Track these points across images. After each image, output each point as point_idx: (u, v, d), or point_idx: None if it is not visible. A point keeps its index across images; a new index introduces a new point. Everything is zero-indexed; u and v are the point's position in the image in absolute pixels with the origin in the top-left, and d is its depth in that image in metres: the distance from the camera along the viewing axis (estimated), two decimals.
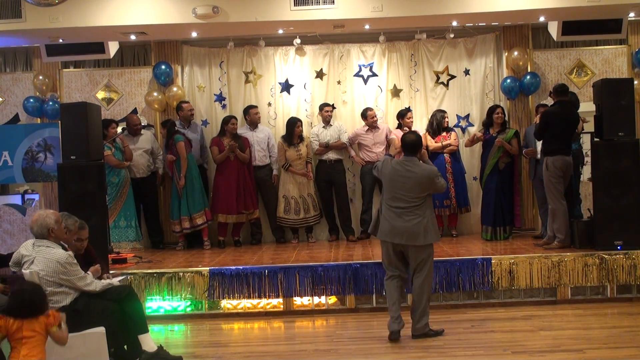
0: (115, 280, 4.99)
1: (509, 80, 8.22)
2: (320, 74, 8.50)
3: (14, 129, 8.14)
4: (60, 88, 8.53)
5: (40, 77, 8.41)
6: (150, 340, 4.62)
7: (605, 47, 8.42)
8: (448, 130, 8.00)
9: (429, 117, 8.18)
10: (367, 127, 8.06)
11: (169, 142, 7.79)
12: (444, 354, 4.82)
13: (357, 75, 8.49)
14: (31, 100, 8.36)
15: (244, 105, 8.36)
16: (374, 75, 8.48)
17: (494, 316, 5.90)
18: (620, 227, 6.36)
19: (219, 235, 7.98)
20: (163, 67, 8.32)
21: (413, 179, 5.03)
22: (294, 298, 6.27)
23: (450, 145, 7.88)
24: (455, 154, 7.96)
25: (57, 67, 8.52)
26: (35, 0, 6.08)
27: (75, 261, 4.36)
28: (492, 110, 7.67)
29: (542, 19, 7.90)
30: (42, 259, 4.21)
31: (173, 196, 7.86)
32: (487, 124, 7.71)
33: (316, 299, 6.28)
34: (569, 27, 8.01)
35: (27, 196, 9.96)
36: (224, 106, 8.52)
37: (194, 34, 7.87)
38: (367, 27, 7.73)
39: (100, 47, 8.07)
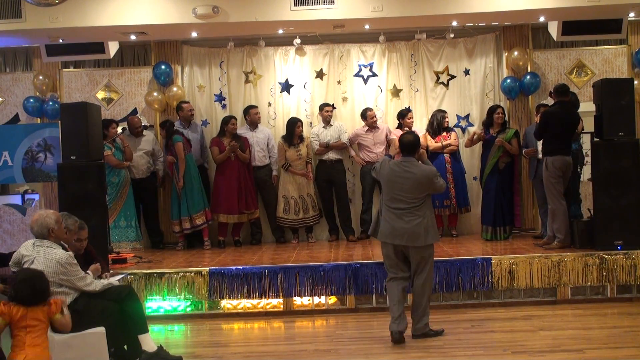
0: (115, 280, 5.00)
1: (509, 80, 8.22)
2: (320, 74, 8.50)
3: (14, 129, 8.15)
4: (60, 88, 8.53)
5: (40, 77, 8.41)
6: (150, 340, 4.62)
7: (605, 47, 8.43)
8: (448, 130, 8.00)
9: (429, 117, 8.18)
10: (367, 128, 8.06)
11: (168, 143, 7.80)
12: (444, 354, 4.81)
13: (357, 75, 8.50)
14: (31, 100, 8.37)
15: (244, 105, 8.36)
16: (374, 75, 8.48)
17: (494, 316, 5.90)
18: (620, 227, 6.36)
19: (219, 235, 7.98)
20: (163, 67, 8.32)
21: (411, 180, 5.02)
22: (294, 298, 6.27)
23: (450, 145, 7.88)
24: (455, 154, 7.97)
25: (57, 67, 8.52)
26: (35, 0, 6.08)
27: (75, 261, 4.36)
28: (492, 110, 7.68)
29: (542, 19, 7.90)
30: (42, 259, 4.21)
31: (173, 197, 7.86)
32: (487, 124, 7.71)
33: (316, 299, 6.28)
34: (569, 27, 8.01)
35: (27, 196, 9.96)
36: (224, 106, 8.52)
37: (194, 34, 7.87)
38: (367, 27, 7.73)
39: (100, 47, 8.08)
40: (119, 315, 4.52)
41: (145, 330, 4.62)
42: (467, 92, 8.46)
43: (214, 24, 7.25)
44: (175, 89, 8.36)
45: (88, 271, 4.68)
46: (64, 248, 4.49)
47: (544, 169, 6.73)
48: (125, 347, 4.65)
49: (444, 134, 7.94)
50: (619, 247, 6.31)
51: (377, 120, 8.10)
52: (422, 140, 7.90)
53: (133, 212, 7.82)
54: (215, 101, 8.54)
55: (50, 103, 8.36)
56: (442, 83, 8.47)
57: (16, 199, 9.87)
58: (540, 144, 6.97)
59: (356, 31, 8.03)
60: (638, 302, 6.21)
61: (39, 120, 8.47)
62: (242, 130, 8.14)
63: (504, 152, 7.49)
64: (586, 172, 7.78)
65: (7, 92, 8.62)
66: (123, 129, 7.98)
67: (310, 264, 6.34)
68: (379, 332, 5.37)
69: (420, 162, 5.16)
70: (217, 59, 8.52)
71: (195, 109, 8.37)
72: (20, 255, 4.34)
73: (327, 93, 8.47)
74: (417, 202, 5.02)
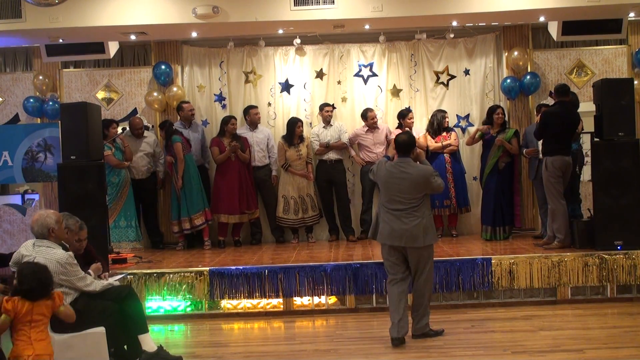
0: (115, 280, 5.00)
1: (509, 80, 8.22)
2: (320, 74, 8.50)
3: (14, 129, 8.15)
4: (60, 88, 8.53)
5: (40, 77, 8.41)
6: (150, 340, 4.62)
7: (605, 47, 8.43)
8: (448, 130, 8.00)
9: (429, 117, 8.18)
10: (367, 128, 8.06)
11: (167, 143, 7.81)
12: (444, 354, 4.82)
13: (357, 75, 8.50)
14: (31, 100, 8.37)
15: (244, 105, 8.36)
16: (374, 75, 8.48)
17: (494, 316, 5.90)
18: (620, 227, 6.36)
19: (219, 235, 7.98)
20: (163, 67, 8.32)
21: (408, 180, 5.00)
22: (294, 298, 6.27)
23: (450, 145, 7.87)
24: (455, 154, 7.96)
25: (57, 67, 8.52)
26: (35, 0, 6.08)
27: (75, 261, 4.36)
28: (492, 110, 7.68)
29: (542, 19, 7.90)
30: (42, 259, 4.20)
31: (172, 197, 7.87)
32: (487, 123, 7.70)
33: (316, 299, 6.28)
34: (569, 27, 8.01)
35: (27, 196, 9.96)
36: (224, 106, 8.52)
37: (194, 34, 7.87)
38: (367, 27, 7.73)
39: (100, 47, 8.08)
40: (119, 315, 4.52)
41: (145, 330, 4.63)
42: (467, 92, 8.46)
43: (214, 24, 7.25)
44: (175, 89, 8.37)
45: (89, 270, 4.69)
46: (64, 248, 4.49)
47: (543, 169, 6.73)
48: (125, 347, 4.65)
49: (444, 134, 7.93)
50: (619, 247, 6.31)
51: (377, 121, 8.10)
52: (422, 140, 7.94)
53: (133, 212, 7.82)
54: (215, 101, 8.54)
55: (50, 103, 8.36)
56: (442, 83, 8.47)
57: (16, 199, 9.87)
58: (540, 144, 6.97)
59: (356, 31, 8.03)
60: (638, 302, 6.21)
61: (39, 120, 8.47)
62: (242, 130, 8.14)
63: (504, 152, 7.49)
64: (586, 172, 7.77)
65: (7, 92, 8.62)
66: (123, 129, 7.98)
67: (310, 264, 6.34)
68: (379, 332, 5.37)
69: (418, 162, 5.15)
70: (217, 59, 8.52)
71: (195, 109, 8.36)
72: (20, 255, 4.33)
73: (327, 93, 8.47)
74: (415, 202, 5.00)
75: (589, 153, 6.98)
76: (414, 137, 5.31)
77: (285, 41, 8.33)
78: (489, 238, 7.51)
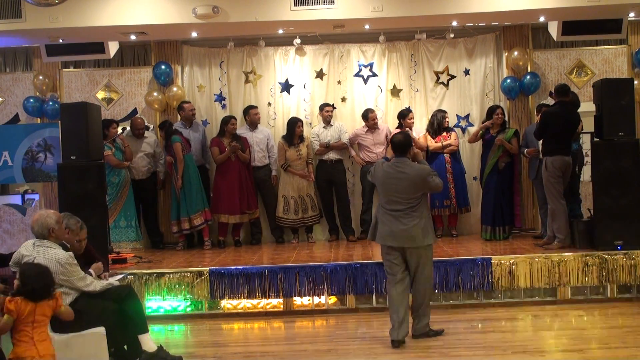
0: (115, 280, 5.00)
1: (509, 80, 8.22)
2: (320, 74, 8.50)
3: (14, 129, 8.15)
4: (60, 88, 8.53)
5: (40, 77, 8.41)
6: (150, 340, 4.62)
7: (605, 47, 8.43)
8: (448, 130, 8.00)
9: (429, 117, 8.18)
10: (367, 128, 8.06)
11: (167, 143, 7.81)
12: (444, 354, 4.82)
13: (357, 75, 8.49)
14: (31, 100, 8.37)
15: (244, 105, 8.36)
16: (374, 75, 8.48)
17: (494, 316, 5.90)
18: (620, 227, 6.36)
19: (219, 235, 7.98)
20: (163, 67, 8.32)
21: (406, 180, 4.99)
22: (294, 298, 6.27)
23: (450, 145, 7.87)
24: (455, 154, 7.96)
25: (57, 67, 8.52)
26: (35, 0, 6.08)
27: (75, 262, 4.37)
28: (492, 110, 7.67)
29: (542, 19, 7.90)
30: (42, 259, 4.20)
31: (172, 197, 7.87)
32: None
33: (316, 299, 6.28)
34: (569, 27, 8.01)
35: (27, 196, 9.95)
36: (224, 106, 8.52)
37: (194, 34, 7.87)
38: (367, 27, 7.73)
39: (100, 47, 8.08)
40: (118, 315, 4.53)
41: (145, 330, 4.63)
42: (467, 92, 8.46)
43: (214, 24, 7.25)
44: (175, 89, 8.36)
45: (90, 269, 4.69)
46: (65, 248, 4.49)
47: (543, 169, 6.73)
48: (125, 347, 4.65)
49: (444, 134, 7.93)
50: (619, 247, 6.31)
51: (378, 121, 8.09)
52: (422, 140, 7.94)
53: (133, 212, 7.82)
54: (215, 101, 8.54)
55: (50, 103, 8.36)
56: (442, 83, 8.47)
57: (16, 199, 9.86)
58: (540, 144, 6.97)
59: (356, 31, 8.03)
60: (638, 302, 6.21)
61: (39, 120, 8.47)
62: (242, 130, 8.14)
63: (504, 152, 7.49)
64: (586, 172, 7.78)
65: (7, 92, 8.62)
66: (123, 129, 7.98)
67: (310, 264, 6.34)
68: (379, 332, 5.37)
69: (416, 161, 5.15)
70: (217, 59, 8.52)
71: (196, 109, 8.36)
72: (21, 255, 4.34)
73: (327, 93, 8.47)
74: (413, 202, 4.99)
75: (589, 153, 6.98)
76: (410, 137, 5.31)
77: (285, 41, 8.33)
78: (489, 238, 7.51)
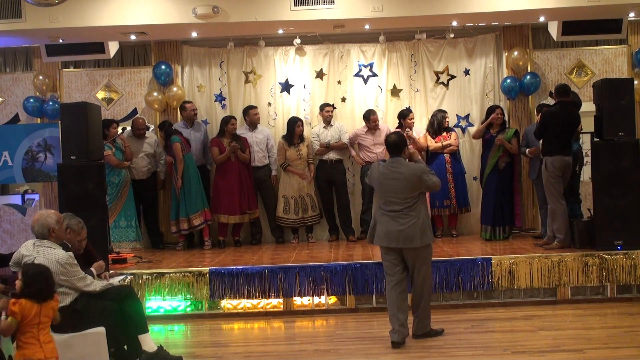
0: (115, 280, 5.00)
1: (509, 80, 8.22)
2: (320, 74, 8.50)
3: (14, 129, 8.14)
4: (60, 88, 8.53)
5: (40, 77, 8.41)
6: (150, 340, 4.63)
7: (605, 47, 8.42)
8: (448, 130, 8.00)
9: (429, 117, 8.18)
10: (367, 128, 8.06)
11: (167, 144, 7.81)
12: (444, 354, 4.82)
13: (357, 75, 8.49)
14: (31, 100, 8.37)
15: (244, 105, 8.36)
16: (374, 75, 8.48)
17: (494, 316, 5.90)
18: (620, 227, 6.36)
19: (219, 235, 7.98)
20: (163, 67, 8.32)
21: (401, 180, 4.98)
22: (294, 298, 6.27)
23: (450, 145, 7.87)
24: (455, 154, 7.96)
25: (57, 67, 8.52)
26: (35, 0, 6.08)
27: (75, 262, 4.37)
28: (491, 110, 7.67)
29: (542, 19, 7.90)
30: (42, 259, 4.20)
31: (172, 197, 7.87)
32: (485, 127, 7.70)
33: (316, 299, 6.28)
34: (569, 27, 8.01)
35: (27, 196, 9.95)
36: (223, 106, 8.52)
37: (194, 34, 7.87)
38: (367, 27, 7.73)
39: (100, 47, 8.08)
40: (118, 315, 4.53)
41: (145, 330, 4.63)
42: (467, 92, 8.46)
43: (214, 24, 7.25)
44: (175, 89, 8.36)
45: (92, 269, 4.69)
46: (66, 248, 4.49)
47: (543, 169, 6.73)
48: (125, 347, 4.65)
49: (444, 134, 7.93)
50: (619, 247, 6.31)
51: (379, 123, 8.09)
52: (422, 140, 7.94)
53: (133, 212, 7.82)
54: (215, 101, 8.54)
55: (50, 103, 8.36)
56: (442, 83, 8.47)
57: (16, 199, 9.86)
58: (541, 143, 6.97)
59: (356, 31, 8.03)
60: (638, 302, 6.21)
61: (39, 120, 8.47)
62: (242, 130, 8.14)
63: (504, 152, 7.49)
64: (586, 172, 7.78)
65: (7, 92, 8.62)
66: (123, 129, 7.98)
67: (310, 264, 6.34)
68: (379, 332, 5.37)
69: (413, 161, 5.14)
70: (217, 59, 8.52)
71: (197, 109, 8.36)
72: (21, 255, 4.34)
73: (327, 93, 8.47)
74: (410, 201, 4.98)
75: (589, 153, 6.98)
76: (403, 136, 5.29)
77: (285, 41, 8.33)
78: (489, 238, 7.51)
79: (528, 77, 8.21)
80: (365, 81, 8.48)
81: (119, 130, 7.91)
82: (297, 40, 8.26)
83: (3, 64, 8.72)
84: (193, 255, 7.43)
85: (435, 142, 7.90)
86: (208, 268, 6.31)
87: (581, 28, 8.01)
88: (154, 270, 6.33)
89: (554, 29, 8.16)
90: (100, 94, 8.55)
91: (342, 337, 5.47)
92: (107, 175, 7.26)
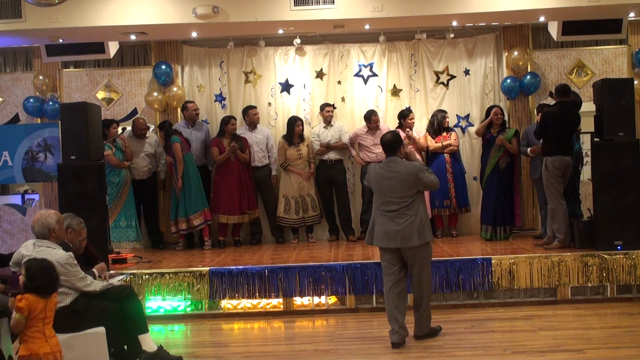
0: (115, 280, 5.00)
1: (509, 80, 8.22)
2: (320, 74, 8.50)
3: (14, 129, 8.14)
4: (60, 88, 8.53)
5: (40, 77, 8.41)
6: (150, 340, 4.63)
7: (605, 47, 8.43)
8: (448, 130, 8.00)
9: (429, 117, 8.18)
10: (368, 128, 8.05)
11: (167, 144, 7.81)
12: (444, 354, 4.82)
13: (357, 75, 8.50)
14: (31, 100, 8.37)
15: (244, 105, 8.36)
16: (374, 75, 8.48)
17: (494, 316, 5.90)
18: (620, 227, 6.36)
19: (219, 235, 7.98)
20: (163, 67, 8.32)
21: (397, 179, 4.97)
22: (294, 298, 6.27)
23: (450, 145, 7.87)
24: (455, 154, 7.96)
25: (57, 67, 8.52)
26: (35, 0, 6.07)
27: (75, 262, 4.37)
28: (490, 109, 7.67)
29: (542, 19, 7.90)
30: None
31: (172, 197, 7.87)
32: (488, 124, 7.70)
33: (316, 299, 6.28)
34: (569, 27, 8.01)
35: (27, 196, 9.95)
36: (223, 106, 8.52)
37: (194, 34, 7.87)
38: (367, 27, 7.73)
39: (100, 47, 8.08)
40: (119, 315, 4.52)
41: (145, 330, 4.63)
42: (467, 92, 8.46)
43: (214, 24, 7.25)
44: (175, 89, 8.36)
45: (94, 269, 4.69)
46: (67, 248, 4.49)
47: (543, 169, 6.74)
48: (125, 347, 4.65)
49: (444, 134, 7.93)
50: (619, 247, 6.31)
51: (380, 124, 8.08)
52: (422, 140, 7.94)
53: (133, 212, 7.82)
54: (215, 101, 8.55)
55: (50, 103, 8.36)
56: (442, 83, 8.47)
57: (16, 199, 9.85)
58: (541, 143, 6.97)
59: (356, 31, 8.03)
60: (638, 302, 6.21)
61: (39, 120, 8.47)
62: (241, 130, 8.14)
63: (504, 152, 7.49)
64: (586, 172, 7.78)
65: (7, 92, 8.62)
66: (123, 129, 7.98)
67: (310, 264, 6.34)
68: (379, 332, 5.37)
69: (410, 160, 5.13)
70: (217, 59, 8.52)
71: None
72: (21, 255, 4.34)
73: (327, 93, 8.47)
74: (407, 200, 4.95)
75: (589, 153, 6.98)
76: (399, 135, 5.28)
77: (285, 41, 8.33)
78: (490, 238, 7.51)
79: (528, 77, 8.21)
80: (365, 81, 8.48)
81: (119, 130, 7.90)
82: (297, 40, 8.26)
83: (3, 64, 8.73)
84: (193, 255, 7.43)
85: (435, 142, 7.90)
86: (208, 268, 6.31)
87: (581, 28, 8.01)
88: (154, 270, 6.33)
89: (554, 29, 8.16)
90: (100, 94, 8.55)
91: (342, 337, 5.47)
92: (107, 175, 7.26)
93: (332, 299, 6.30)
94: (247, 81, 8.53)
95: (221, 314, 6.29)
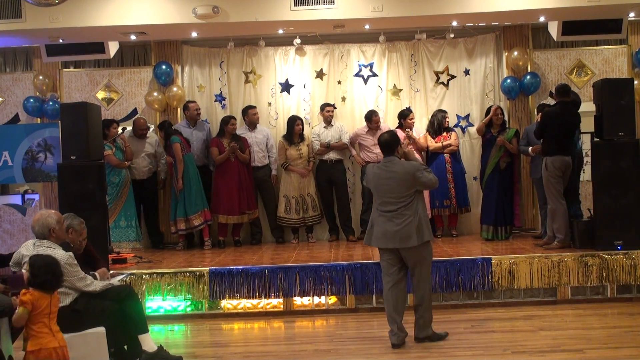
0: (115, 280, 5.00)
1: (509, 80, 8.22)
2: (320, 74, 8.50)
3: (14, 129, 8.14)
4: (60, 88, 8.53)
5: (40, 77, 8.41)
6: (150, 340, 4.62)
7: (605, 47, 8.43)
8: (448, 130, 8.00)
9: (429, 117, 8.18)
10: (368, 128, 8.05)
11: (167, 144, 7.81)
12: (444, 354, 4.82)
13: (357, 75, 8.50)
14: (31, 100, 8.37)
15: (244, 105, 8.36)
16: (374, 75, 8.48)
17: (494, 316, 5.90)
18: (620, 227, 6.36)
19: (219, 236, 7.98)
20: (163, 67, 8.32)
21: (395, 179, 4.95)
22: (294, 298, 6.27)
23: (450, 145, 7.87)
24: (455, 154, 7.96)
25: (57, 67, 8.53)
26: (35, 0, 6.07)
27: (75, 262, 4.36)
28: (489, 109, 7.67)
29: (542, 19, 7.90)
30: None
31: (172, 197, 7.87)
32: (488, 123, 7.70)
33: (316, 299, 6.28)
34: (569, 27, 8.01)
35: (27, 196, 9.95)
36: (223, 106, 8.53)
37: (194, 34, 7.87)
38: (367, 27, 7.73)
39: (100, 47, 8.08)
40: (119, 316, 4.53)
41: (145, 330, 4.63)
42: (467, 92, 8.46)
43: (214, 24, 7.25)
44: (175, 89, 8.37)
45: (95, 273, 4.69)
46: (68, 248, 4.49)
47: (543, 169, 6.74)
48: (125, 347, 4.65)
49: (444, 134, 7.93)
50: (619, 247, 6.31)
51: (381, 124, 8.08)
52: (422, 140, 7.94)
53: (133, 212, 7.82)
54: (215, 101, 8.55)
55: (50, 103, 8.36)
56: (442, 83, 8.47)
57: (16, 199, 9.85)
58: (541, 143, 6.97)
59: (356, 31, 8.03)
60: (638, 302, 6.21)
61: (39, 120, 8.47)
62: (241, 130, 8.14)
63: (505, 152, 7.49)
64: (586, 174, 7.77)
65: (7, 92, 8.63)
66: (123, 129, 7.98)
67: (310, 264, 6.34)
68: (379, 332, 5.37)
69: (408, 160, 5.13)
70: (217, 59, 8.52)
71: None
72: (21, 255, 4.34)
73: (327, 93, 8.47)
74: (405, 200, 4.93)
75: (589, 153, 6.98)
76: (396, 135, 5.25)
77: (285, 41, 8.33)
78: (491, 237, 7.50)
79: (528, 77, 8.21)
80: (366, 81, 8.48)
81: (119, 130, 7.90)
82: (297, 40, 8.26)
83: (3, 64, 8.73)
84: (193, 255, 7.43)
85: (435, 142, 7.90)
86: (208, 268, 6.31)
87: (581, 28, 8.01)
88: (154, 270, 6.33)
89: (554, 29, 8.16)
90: (100, 94, 8.55)
91: (342, 337, 5.47)
92: (107, 175, 7.26)
93: (332, 299, 6.30)
94: (247, 81, 8.53)
95: (221, 314, 6.29)
